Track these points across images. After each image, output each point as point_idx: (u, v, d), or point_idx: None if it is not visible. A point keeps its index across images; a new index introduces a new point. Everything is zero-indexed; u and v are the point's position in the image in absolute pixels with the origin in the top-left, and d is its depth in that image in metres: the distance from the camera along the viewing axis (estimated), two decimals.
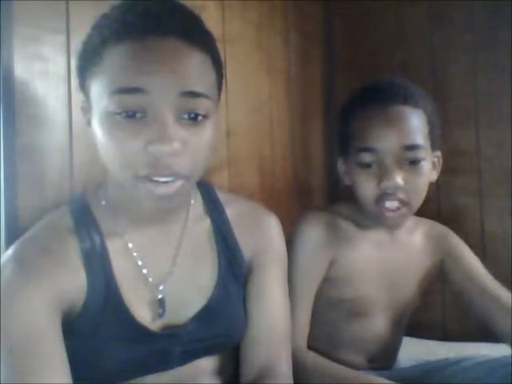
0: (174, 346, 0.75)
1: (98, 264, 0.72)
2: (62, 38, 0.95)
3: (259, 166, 1.49)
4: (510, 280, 1.23)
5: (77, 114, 0.97)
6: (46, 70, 0.93)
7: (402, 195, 0.97)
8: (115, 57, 0.64)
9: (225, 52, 1.34)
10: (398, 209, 0.98)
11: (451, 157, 1.50)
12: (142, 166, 0.64)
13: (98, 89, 0.66)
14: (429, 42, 1.69)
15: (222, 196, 0.86)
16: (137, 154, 0.63)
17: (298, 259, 1.03)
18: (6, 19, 0.87)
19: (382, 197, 0.97)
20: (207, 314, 0.78)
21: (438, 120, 1.04)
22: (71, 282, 0.70)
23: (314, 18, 1.81)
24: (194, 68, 0.66)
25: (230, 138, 1.37)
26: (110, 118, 0.64)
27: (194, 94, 0.65)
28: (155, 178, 0.64)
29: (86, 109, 0.71)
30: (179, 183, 0.66)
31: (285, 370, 0.81)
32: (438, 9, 1.67)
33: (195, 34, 0.67)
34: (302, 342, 1.01)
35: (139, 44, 0.63)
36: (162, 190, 0.65)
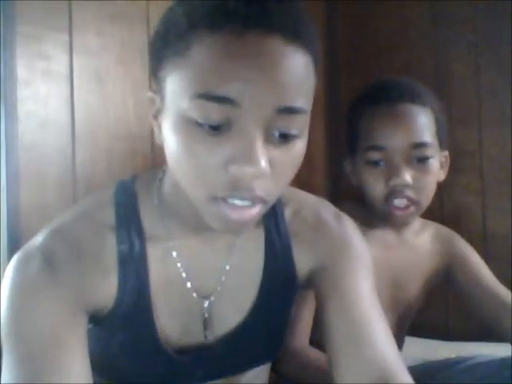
0: (194, 368, 0.69)
1: (133, 268, 0.64)
2: (65, 37, 0.96)
3: None
4: None
5: (79, 113, 0.97)
6: (48, 68, 0.93)
7: (410, 193, 0.97)
8: (207, 50, 0.52)
9: None
10: (407, 207, 0.98)
11: (454, 156, 1.50)
12: (220, 187, 0.54)
13: (179, 85, 0.54)
14: (432, 41, 1.68)
15: (285, 196, 0.74)
16: (216, 173, 0.54)
17: None
18: (8, 18, 0.88)
19: (390, 195, 0.97)
20: (238, 336, 0.70)
21: (445, 120, 1.04)
22: (101, 287, 0.63)
23: (317, 18, 1.81)
24: (297, 76, 0.54)
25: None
26: (188, 125, 0.54)
27: (291, 111, 0.54)
28: (233, 201, 0.55)
29: (155, 101, 0.61)
30: (257, 210, 0.56)
31: (404, 375, 0.65)
32: (441, 9, 1.66)
33: (303, 33, 0.55)
34: (304, 342, 1.01)
35: (238, 39, 0.51)
36: (237, 215, 0.55)
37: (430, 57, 1.68)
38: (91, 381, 0.60)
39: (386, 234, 1.08)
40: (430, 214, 1.18)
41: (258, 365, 0.75)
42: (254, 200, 0.55)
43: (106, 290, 0.63)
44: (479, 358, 1.03)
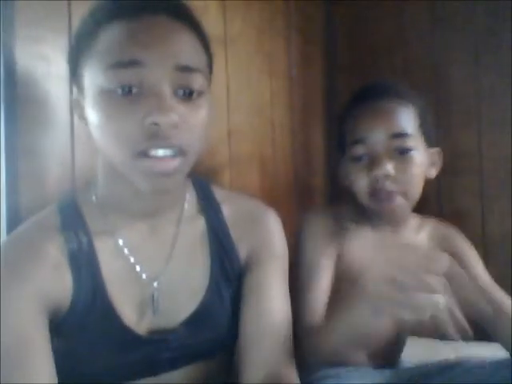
0: (162, 351, 0.73)
1: (84, 264, 0.70)
2: (64, 39, 0.96)
3: (260, 167, 1.50)
4: (511, 281, 1.23)
5: None
6: (47, 70, 0.93)
7: (393, 185, 0.98)
8: (110, 34, 0.64)
9: (226, 53, 1.34)
10: (393, 198, 0.98)
11: (453, 158, 1.50)
12: (141, 140, 0.62)
13: (93, 69, 0.65)
14: (430, 43, 1.69)
15: (219, 193, 0.84)
16: (135, 129, 0.62)
17: (307, 245, 1.03)
18: (8, 19, 0.88)
19: (374, 189, 0.99)
20: (198, 318, 0.75)
21: (430, 117, 1.06)
22: (56, 284, 0.68)
23: (316, 19, 1.82)
24: (187, 44, 0.66)
25: (231, 139, 1.38)
26: (105, 96, 0.63)
27: (189, 69, 0.65)
28: (154, 152, 0.63)
29: (79, 100, 0.70)
30: (178, 160, 0.65)
31: (290, 371, 0.76)
32: (440, 10, 1.67)
33: (185, 13, 0.68)
34: (318, 319, 0.97)
35: (133, 21, 0.64)
36: (160, 167, 0.63)
37: (429, 58, 1.69)
38: (55, 373, 0.64)
39: (383, 234, 1.08)
40: (429, 216, 1.18)
41: (222, 349, 0.80)
42: (174, 149, 0.64)
43: (62, 287, 0.69)
44: (479, 359, 1.03)
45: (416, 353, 1.28)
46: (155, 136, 0.62)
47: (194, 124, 0.66)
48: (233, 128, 1.38)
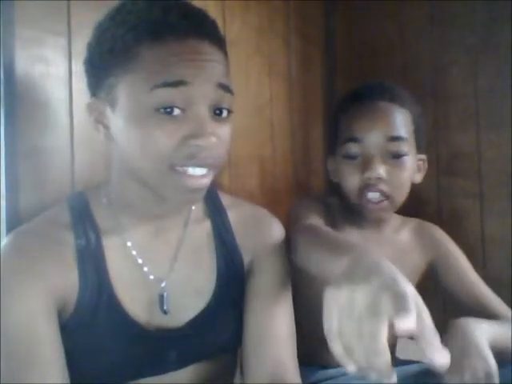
0: (169, 349, 0.74)
1: (91, 262, 0.71)
2: (64, 41, 0.96)
3: (260, 167, 1.50)
4: (511, 282, 1.24)
5: (78, 116, 0.97)
6: (47, 72, 0.94)
7: (383, 187, 0.99)
8: (156, 53, 0.65)
9: None
10: (380, 202, 1.00)
11: (451, 159, 1.50)
12: (179, 158, 0.66)
13: (134, 85, 0.66)
14: (429, 44, 1.69)
15: (226, 199, 0.86)
16: (175, 148, 0.65)
17: (297, 211, 1.00)
18: (7, 21, 0.88)
19: (364, 188, 0.99)
20: (204, 318, 0.77)
21: (423, 124, 1.07)
22: (63, 280, 0.69)
23: (315, 20, 1.82)
24: (223, 64, 0.70)
25: (230, 140, 1.38)
26: (147, 113, 0.65)
27: (225, 88, 0.68)
28: (191, 171, 0.67)
29: (98, 107, 0.70)
30: (209, 176, 0.69)
31: (293, 373, 0.79)
32: (439, 10, 1.67)
33: (220, 36, 0.72)
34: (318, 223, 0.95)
35: (180, 44, 0.66)
36: (195, 183, 0.67)
37: (428, 59, 1.69)
38: (66, 370, 0.66)
39: (365, 232, 1.09)
40: (428, 217, 1.18)
41: (227, 349, 0.82)
42: (208, 167, 0.68)
43: (69, 283, 0.69)
44: None
45: (412, 353, 1.28)
46: (194, 156, 0.66)
47: (223, 142, 0.70)
48: (232, 129, 1.38)
